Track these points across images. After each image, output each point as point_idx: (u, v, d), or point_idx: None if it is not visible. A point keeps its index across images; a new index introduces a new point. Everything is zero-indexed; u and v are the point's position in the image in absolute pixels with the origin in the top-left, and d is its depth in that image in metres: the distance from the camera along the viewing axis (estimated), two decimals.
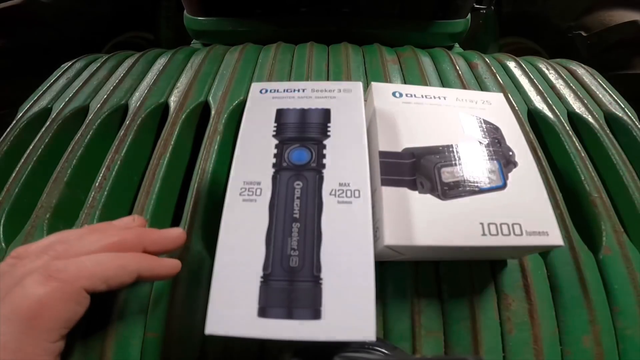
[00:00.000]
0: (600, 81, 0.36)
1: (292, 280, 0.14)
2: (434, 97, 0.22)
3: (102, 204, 0.23)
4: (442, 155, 0.19)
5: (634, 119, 0.31)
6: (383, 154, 0.19)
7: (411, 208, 0.17)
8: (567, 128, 0.29)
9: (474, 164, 0.19)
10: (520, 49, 0.82)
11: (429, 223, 0.17)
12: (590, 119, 0.30)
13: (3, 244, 0.22)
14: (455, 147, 0.19)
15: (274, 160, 0.18)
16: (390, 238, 0.16)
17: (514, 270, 0.21)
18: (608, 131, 0.30)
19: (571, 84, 0.34)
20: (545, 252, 0.22)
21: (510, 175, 0.19)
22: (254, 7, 0.47)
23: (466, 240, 0.16)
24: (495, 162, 0.19)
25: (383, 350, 0.15)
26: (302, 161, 0.17)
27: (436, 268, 0.21)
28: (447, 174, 0.18)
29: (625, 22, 0.61)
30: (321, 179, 0.17)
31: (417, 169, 0.19)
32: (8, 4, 0.57)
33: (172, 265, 0.18)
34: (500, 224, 0.17)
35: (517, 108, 0.30)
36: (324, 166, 0.17)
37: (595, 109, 0.32)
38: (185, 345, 0.19)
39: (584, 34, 0.67)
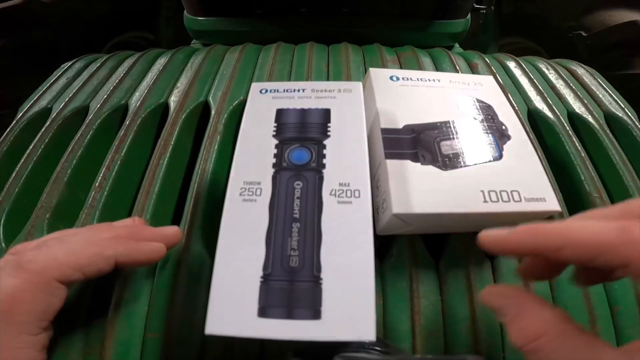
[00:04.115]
0: (600, 81, 0.36)
1: (292, 280, 0.14)
2: (429, 80, 0.24)
3: (102, 204, 0.23)
4: (441, 130, 0.20)
5: (634, 119, 0.31)
6: (385, 131, 0.20)
7: (415, 178, 0.18)
8: (567, 128, 0.29)
9: (470, 137, 0.20)
10: (520, 49, 0.82)
11: (434, 192, 0.17)
12: (590, 119, 0.30)
13: (3, 244, 0.22)
14: (452, 123, 0.21)
15: (274, 160, 0.18)
16: (398, 207, 0.17)
17: (514, 271, 0.21)
18: (608, 131, 0.30)
19: (571, 84, 0.34)
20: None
21: (505, 147, 0.20)
22: (254, 7, 0.47)
23: (469, 207, 0.17)
24: (490, 135, 0.20)
25: (383, 350, 0.15)
26: (302, 161, 0.17)
27: (436, 268, 0.21)
28: (446, 147, 0.19)
29: (625, 22, 0.61)
30: (321, 179, 0.17)
31: (417, 143, 0.19)
32: (8, 4, 0.57)
33: (152, 249, 0.17)
34: (500, 191, 0.17)
35: (517, 108, 0.30)
36: (324, 166, 0.17)
37: (595, 109, 0.32)
38: (185, 345, 0.19)
39: (584, 34, 0.67)
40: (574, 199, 0.25)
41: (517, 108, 0.30)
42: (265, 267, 0.15)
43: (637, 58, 0.61)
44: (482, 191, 0.17)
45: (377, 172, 0.19)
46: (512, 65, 0.36)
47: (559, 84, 0.34)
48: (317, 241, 0.15)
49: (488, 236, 0.14)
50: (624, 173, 0.26)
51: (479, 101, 0.22)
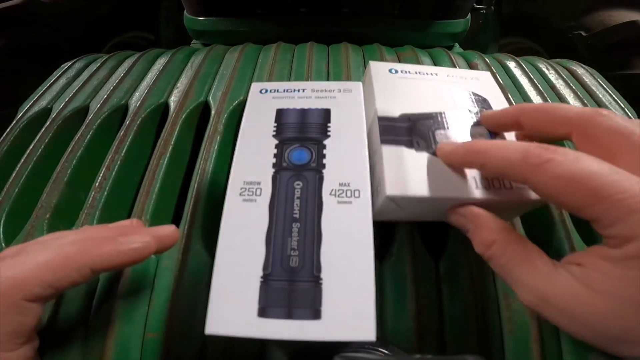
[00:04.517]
0: (600, 81, 0.36)
1: (292, 281, 0.14)
2: (427, 74, 0.24)
3: (102, 204, 0.23)
4: (436, 120, 0.20)
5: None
6: (382, 119, 0.20)
7: (409, 163, 0.18)
8: None
9: (465, 127, 0.20)
10: (520, 49, 0.82)
11: (427, 176, 0.18)
12: None
13: (3, 244, 0.22)
14: (448, 114, 0.21)
15: (274, 160, 0.18)
16: (392, 189, 0.17)
17: None
18: None
19: (571, 84, 0.34)
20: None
21: (497, 138, 0.20)
22: (254, 7, 0.47)
23: (461, 193, 0.17)
24: (483, 126, 0.21)
25: (383, 350, 0.15)
26: (302, 161, 0.17)
27: (436, 268, 0.21)
28: (440, 136, 0.20)
29: (625, 22, 0.61)
30: (321, 179, 0.17)
31: (413, 131, 0.20)
32: (8, 4, 0.57)
33: (133, 247, 0.15)
34: (492, 179, 0.18)
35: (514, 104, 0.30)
36: (324, 166, 0.17)
37: None
38: (185, 345, 0.19)
39: (584, 34, 0.67)
40: None
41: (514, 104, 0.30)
42: (265, 267, 0.15)
43: (637, 58, 0.61)
44: (474, 178, 0.18)
45: (373, 159, 0.20)
46: (512, 65, 0.36)
47: (559, 84, 0.34)
48: (317, 241, 0.15)
49: (442, 149, 0.17)
50: None
51: (474, 94, 0.23)
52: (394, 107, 0.21)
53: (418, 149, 0.19)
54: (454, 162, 0.17)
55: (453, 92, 0.23)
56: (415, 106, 0.21)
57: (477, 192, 0.17)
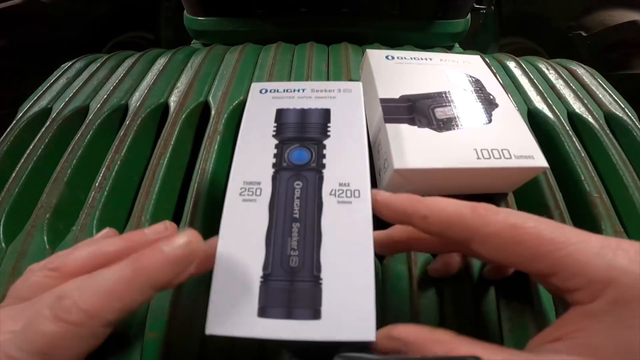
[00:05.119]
0: (600, 81, 0.36)
1: (292, 280, 0.14)
2: (422, 59, 0.26)
3: (102, 204, 0.23)
4: (434, 99, 0.22)
5: (634, 119, 0.31)
6: (383, 100, 0.21)
7: (413, 139, 0.19)
8: (567, 128, 0.29)
9: (462, 104, 0.22)
10: (520, 49, 0.82)
11: (431, 150, 0.19)
12: (590, 119, 0.30)
13: (3, 244, 0.22)
14: (445, 93, 0.22)
15: (273, 160, 0.18)
16: (399, 163, 0.18)
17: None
18: (608, 131, 0.30)
19: (571, 84, 0.34)
20: None
21: (493, 113, 0.22)
22: (254, 7, 0.47)
23: (465, 163, 0.18)
24: (479, 103, 0.22)
25: None
26: (302, 161, 0.17)
27: None
28: (440, 113, 0.21)
29: (625, 22, 0.61)
30: (321, 179, 0.17)
31: (414, 110, 0.21)
32: (8, 4, 0.57)
33: (180, 253, 0.13)
34: (492, 150, 0.19)
35: (517, 108, 0.30)
36: (323, 166, 0.17)
37: (595, 109, 0.32)
38: (185, 346, 0.19)
39: (584, 34, 0.67)
40: (574, 199, 0.25)
41: (517, 108, 0.30)
42: (265, 267, 0.15)
43: (637, 58, 0.61)
44: (475, 149, 0.19)
45: (377, 138, 0.21)
46: (512, 65, 0.36)
47: (559, 84, 0.34)
48: (317, 241, 0.15)
49: (379, 194, 0.16)
50: (624, 173, 0.26)
51: (468, 75, 0.24)
52: (393, 89, 0.22)
53: (420, 126, 0.20)
54: (392, 208, 0.15)
55: (448, 74, 0.24)
56: (413, 88, 0.22)
57: (480, 162, 0.18)
